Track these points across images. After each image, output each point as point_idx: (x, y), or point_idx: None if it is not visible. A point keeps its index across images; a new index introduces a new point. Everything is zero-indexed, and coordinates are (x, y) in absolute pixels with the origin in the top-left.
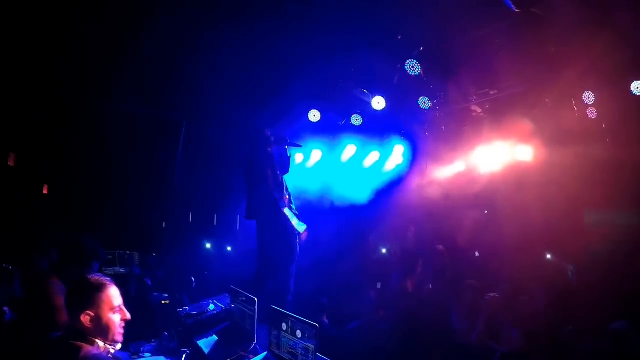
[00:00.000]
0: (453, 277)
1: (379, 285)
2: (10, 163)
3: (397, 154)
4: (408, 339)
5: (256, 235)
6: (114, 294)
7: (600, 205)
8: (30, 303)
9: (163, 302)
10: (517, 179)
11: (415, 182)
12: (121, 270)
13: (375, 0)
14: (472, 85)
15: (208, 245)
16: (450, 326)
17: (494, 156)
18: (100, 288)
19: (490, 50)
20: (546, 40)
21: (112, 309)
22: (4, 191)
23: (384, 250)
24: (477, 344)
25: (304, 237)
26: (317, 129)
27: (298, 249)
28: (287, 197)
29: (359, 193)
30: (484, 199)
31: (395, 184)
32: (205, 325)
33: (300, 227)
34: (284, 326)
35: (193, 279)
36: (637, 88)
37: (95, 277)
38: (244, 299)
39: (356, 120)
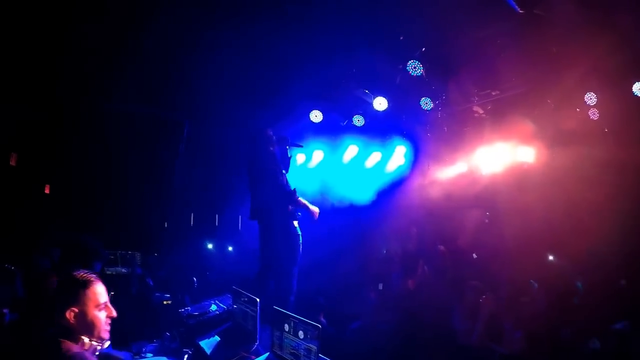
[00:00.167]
0: (454, 277)
1: (380, 287)
2: (12, 163)
3: (399, 155)
4: (409, 339)
5: (258, 236)
6: (99, 290)
7: (602, 206)
8: (31, 303)
9: (165, 302)
10: (518, 180)
11: (416, 183)
12: (123, 270)
13: (377, 1)
14: (473, 86)
15: (210, 246)
16: (452, 327)
17: (496, 157)
18: (85, 285)
19: (492, 51)
20: (548, 41)
21: (98, 306)
22: (5, 191)
23: (385, 252)
24: (477, 345)
25: (316, 216)
26: (319, 130)
27: (300, 250)
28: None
29: (361, 194)
30: (485, 200)
31: (397, 184)
32: (207, 326)
33: (314, 208)
34: (286, 327)
35: (195, 279)
36: (639, 89)
37: (81, 274)
38: (246, 299)
39: (358, 120)
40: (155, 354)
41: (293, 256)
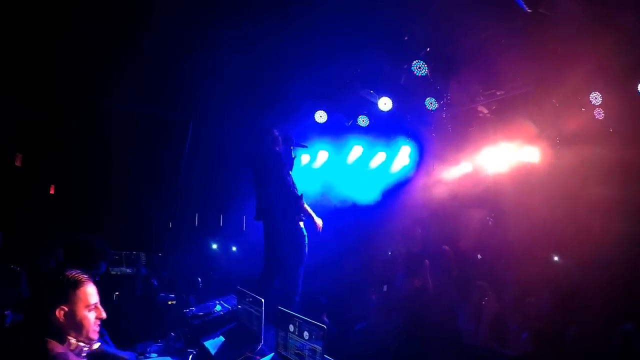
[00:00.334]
0: (459, 278)
1: (385, 288)
2: (17, 163)
3: (404, 155)
4: (414, 339)
5: (264, 236)
6: (90, 291)
7: (608, 206)
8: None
9: (170, 302)
10: (523, 180)
11: (421, 183)
12: (128, 270)
13: (382, 1)
14: (478, 85)
15: (214, 246)
16: (457, 327)
17: (501, 157)
18: (76, 284)
19: (496, 51)
20: (553, 40)
21: (88, 307)
22: (11, 191)
23: (389, 253)
24: (483, 346)
25: (319, 228)
26: (324, 130)
27: (307, 250)
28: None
29: (366, 194)
30: (490, 200)
31: (402, 185)
32: (211, 326)
33: (318, 220)
34: (291, 327)
35: (199, 279)
36: None
37: (73, 273)
38: (250, 299)
39: (363, 121)
40: (160, 354)
41: (299, 256)
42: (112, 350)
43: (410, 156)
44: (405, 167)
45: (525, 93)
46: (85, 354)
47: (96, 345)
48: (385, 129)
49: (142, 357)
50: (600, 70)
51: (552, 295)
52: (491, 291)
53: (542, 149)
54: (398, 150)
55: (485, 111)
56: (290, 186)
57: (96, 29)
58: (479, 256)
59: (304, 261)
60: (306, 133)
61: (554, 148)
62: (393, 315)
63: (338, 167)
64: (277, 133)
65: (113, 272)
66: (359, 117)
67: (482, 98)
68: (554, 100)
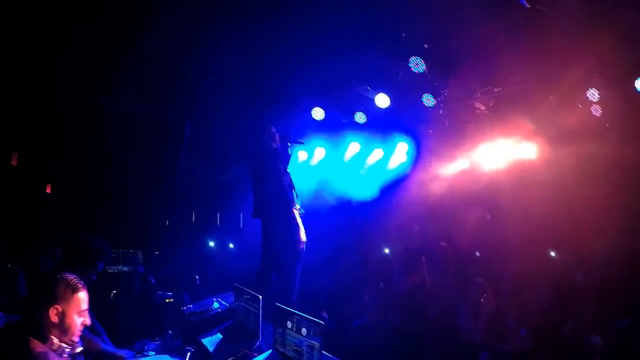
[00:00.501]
0: (457, 274)
1: (381, 285)
2: (13, 163)
3: (401, 152)
4: (412, 336)
5: (261, 233)
6: (83, 298)
7: (605, 203)
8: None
9: (167, 300)
10: (521, 177)
11: (418, 180)
12: (125, 268)
13: None
14: (476, 82)
15: (211, 244)
16: (456, 324)
17: (498, 154)
18: (74, 289)
19: (494, 47)
20: (550, 37)
21: (79, 312)
22: (7, 191)
23: (386, 250)
24: (481, 343)
25: (302, 246)
26: (321, 127)
27: (304, 247)
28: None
29: (363, 191)
30: (487, 197)
31: (399, 181)
32: (209, 324)
33: (303, 234)
34: (289, 324)
35: (197, 277)
36: None
37: (72, 277)
38: (248, 297)
39: (360, 117)
40: (158, 352)
41: (295, 254)
42: (110, 348)
43: (407, 153)
44: (402, 163)
45: (523, 90)
46: (67, 355)
47: (79, 349)
48: (382, 126)
49: (139, 355)
50: (598, 67)
51: (550, 291)
52: (490, 288)
53: (540, 145)
54: (395, 147)
55: (483, 108)
56: (284, 186)
57: (96, 29)
58: (478, 253)
59: (300, 258)
60: (303, 130)
61: (551, 145)
62: (391, 312)
63: (335, 164)
64: (274, 130)
65: (110, 271)
66: (356, 113)
67: (479, 94)
68: (551, 97)
